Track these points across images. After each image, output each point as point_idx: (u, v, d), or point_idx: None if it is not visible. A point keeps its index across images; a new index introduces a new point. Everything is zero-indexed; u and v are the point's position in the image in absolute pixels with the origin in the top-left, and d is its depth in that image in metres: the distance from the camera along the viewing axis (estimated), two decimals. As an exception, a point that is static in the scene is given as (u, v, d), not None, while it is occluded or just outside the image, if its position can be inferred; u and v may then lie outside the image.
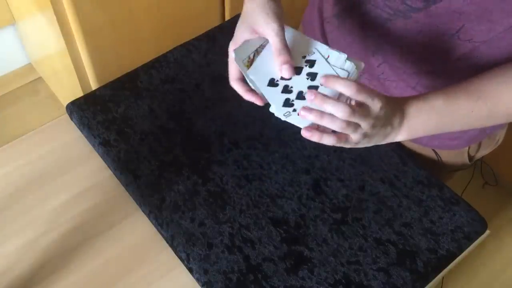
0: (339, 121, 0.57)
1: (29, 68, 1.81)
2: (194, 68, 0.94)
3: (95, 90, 0.91)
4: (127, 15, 1.28)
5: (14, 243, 0.76)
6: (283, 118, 0.60)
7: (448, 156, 0.88)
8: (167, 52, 0.96)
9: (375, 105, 0.58)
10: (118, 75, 0.93)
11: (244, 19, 0.64)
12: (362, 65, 0.63)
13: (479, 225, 0.79)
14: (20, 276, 0.73)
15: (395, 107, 0.61)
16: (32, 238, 0.76)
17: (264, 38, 0.63)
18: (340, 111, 0.56)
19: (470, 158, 0.89)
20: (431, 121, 0.63)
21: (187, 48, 0.97)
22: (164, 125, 0.86)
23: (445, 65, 0.72)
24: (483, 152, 0.89)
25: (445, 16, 0.65)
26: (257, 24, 0.62)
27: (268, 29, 0.61)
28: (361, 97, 0.57)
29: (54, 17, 1.19)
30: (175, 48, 0.97)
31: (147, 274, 0.74)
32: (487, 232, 0.79)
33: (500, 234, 1.68)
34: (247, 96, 0.65)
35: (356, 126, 0.58)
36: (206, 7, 1.44)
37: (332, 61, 0.63)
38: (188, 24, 1.42)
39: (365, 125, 0.58)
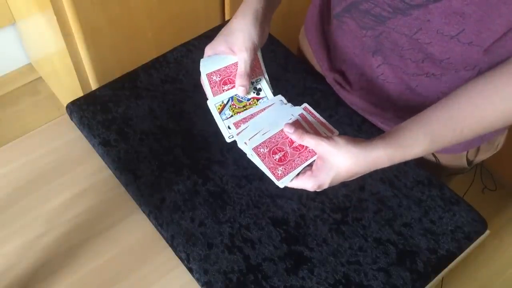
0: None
1: (29, 68, 1.81)
2: (194, 68, 0.94)
3: (95, 90, 0.91)
4: (127, 15, 1.28)
5: (14, 243, 0.76)
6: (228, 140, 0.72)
7: (446, 159, 0.88)
8: (167, 52, 0.96)
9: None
10: (118, 75, 0.93)
11: (228, 31, 0.73)
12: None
13: (479, 225, 0.79)
14: (20, 276, 0.73)
15: (358, 167, 0.65)
16: (32, 238, 0.76)
17: (232, 59, 0.74)
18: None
19: (469, 162, 0.89)
20: (419, 154, 0.65)
21: (187, 48, 0.97)
22: (164, 125, 0.86)
23: (445, 67, 0.72)
24: (482, 156, 0.89)
25: (445, 17, 0.65)
26: (234, 45, 0.72)
27: (240, 55, 0.72)
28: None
29: (54, 17, 1.19)
30: (175, 48, 0.97)
31: (147, 274, 0.74)
32: (487, 232, 0.79)
33: (500, 234, 1.68)
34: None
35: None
36: (206, 7, 1.44)
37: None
38: (188, 24, 1.42)
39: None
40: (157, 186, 0.79)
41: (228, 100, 0.74)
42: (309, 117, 0.71)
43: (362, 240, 0.76)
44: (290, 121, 0.69)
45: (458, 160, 0.88)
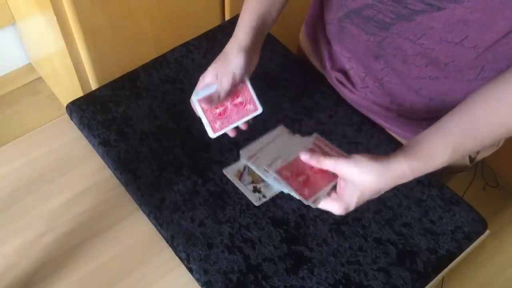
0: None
1: (29, 68, 1.81)
2: (194, 68, 0.94)
3: (95, 90, 0.91)
4: (127, 15, 1.28)
5: (14, 243, 0.76)
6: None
7: None
8: (167, 52, 0.96)
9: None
10: (118, 75, 0.93)
11: (217, 62, 0.75)
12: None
13: (479, 225, 0.79)
14: (20, 276, 0.73)
15: (382, 182, 0.63)
16: (32, 238, 0.76)
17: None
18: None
19: (471, 159, 0.88)
20: (441, 165, 0.64)
21: (187, 48, 0.97)
22: (164, 125, 0.86)
23: (449, 70, 0.72)
24: (484, 154, 0.89)
25: (449, 25, 0.65)
26: (219, 73, 0.74)
27: (219, 83, 0.74)
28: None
29: (54, 17, 1.19)
30: (175, 48, 0.97)
31: (147, 274, 0.74)
32: (487, 232, 0.79)
33: (500, 234, 1.68)
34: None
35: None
36: (206, 7, 1.44)
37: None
38: (188, 24, 1.42)
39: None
40: (157, 186, 0.79)
41: (245, 168, 0.78)
42: (322, 145, 0.70)
43: (362, 240, 0.76)
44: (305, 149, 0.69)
45: (461, 158, 0.88)
